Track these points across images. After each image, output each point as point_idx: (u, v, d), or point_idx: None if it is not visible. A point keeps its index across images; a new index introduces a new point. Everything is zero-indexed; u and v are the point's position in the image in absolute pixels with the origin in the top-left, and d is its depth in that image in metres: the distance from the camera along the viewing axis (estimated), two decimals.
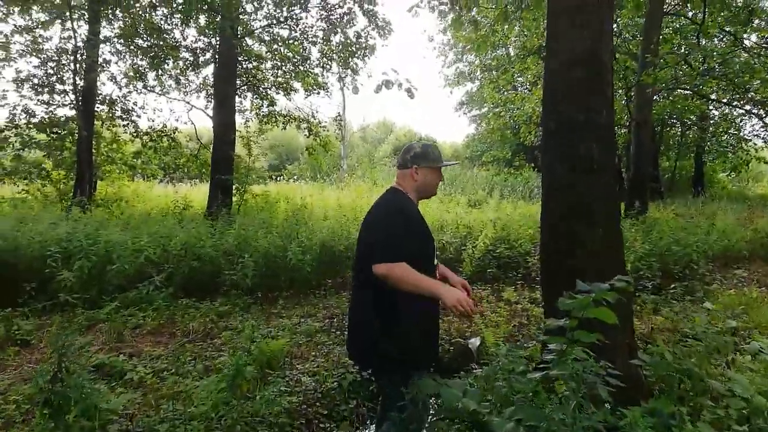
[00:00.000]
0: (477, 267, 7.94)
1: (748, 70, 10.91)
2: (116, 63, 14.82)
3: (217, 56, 12.40)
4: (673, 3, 10.54)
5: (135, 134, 13.22)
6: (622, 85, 10.30)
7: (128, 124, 13.10)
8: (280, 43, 12.93)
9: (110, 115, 12.99)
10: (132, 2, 11.27)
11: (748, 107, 22.23)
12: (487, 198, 15.37)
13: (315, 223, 9.05)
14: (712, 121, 23.01)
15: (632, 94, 10.64)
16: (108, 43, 12.65)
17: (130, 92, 13.27)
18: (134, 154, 14.04)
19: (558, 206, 2.93)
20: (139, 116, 13.37)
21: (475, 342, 5.03)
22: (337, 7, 11.43)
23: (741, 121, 24.11)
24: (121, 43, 12.74)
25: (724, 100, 12.60)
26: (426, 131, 54.83)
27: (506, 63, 12.06)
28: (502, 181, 16.65)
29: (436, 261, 2.67)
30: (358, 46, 11.71)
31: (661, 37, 10.40)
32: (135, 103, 13.31)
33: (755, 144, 23.96)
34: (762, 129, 23.72)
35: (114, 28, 12.72)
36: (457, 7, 7.33)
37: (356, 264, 2.60)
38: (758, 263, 9.41)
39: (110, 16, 12.08)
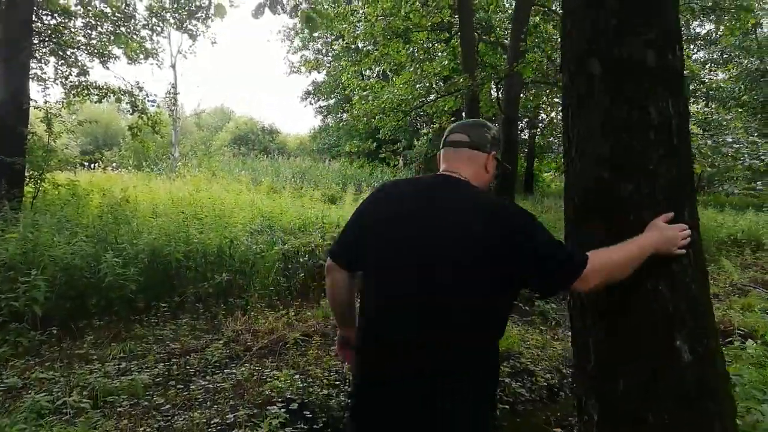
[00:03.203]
0: None
1: None
2: None
3: (2, 5, 9.43)
4: None
5: None
6: (493, 77, 9.72)
7: None
8: None
9: None
10: None
11: None
12: (341, 193, 14.17)
13: (141, 222, 6.99)
14: (541, 124, 24.46)
15: (501, 87, 10.18)
16: None
17: None
18: None
19: (612, 213, 1.68)
20: None
21: None
22: None
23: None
24: None
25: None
26: (269, 121, 52.47)
27: (370, 44, 10.97)
28: (368, 174, 15.56)
29: None
30: (198, 4, 9.64)
31: (530, 25, 10.04)
32: None
33: None
34: None
35: None
36: None
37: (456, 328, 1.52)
38: None
39: None
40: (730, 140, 8.37)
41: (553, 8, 10.84)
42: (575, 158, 1.79)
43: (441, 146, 1.84)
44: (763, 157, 8.30)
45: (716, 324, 1.72)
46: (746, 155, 8.24)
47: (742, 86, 18.74)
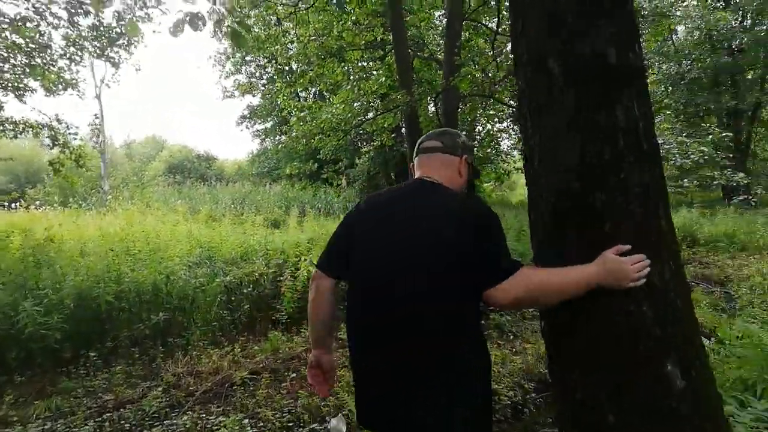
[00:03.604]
0: (301, 302, 6.32)
1: None
2: None
3: None
4: (470, 8, 10.35)
5: None
6: (430, 93, 9.73)
7: None
8: (5, 25, 9.63)
9: None
10: None
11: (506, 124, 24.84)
12: (285, 217, 13.78)
13: (67, 263, 6.45)
14: (478, 136, 24.93)
15: (438, 102, 10.19)
16: None
17: None
18: None
19: (586, 226, 1.54)
20: None
21: (338, 425, 3.42)
22: None
23: (500, 138, 27.07)
24: None
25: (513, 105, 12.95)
26: (204, 147, 51.24)
27: (305, 64, 10.77)
28: (311, 196, 15.18)
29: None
30: (118, 31, 9.15)
31: (463, 40, 10.13)
32: None
33: (513, 156, 27.14)
34: (513, 145, 26.70)
35: None
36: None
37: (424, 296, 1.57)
38: None
39: None
40: (661, 141, 8.66)
41: (483, 23, 11.02)
42: (539, 168, 1.64)
43: (415, 155, 1.91)
44: (692, 156, 8.63)
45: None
46: (677, 155, 8.54)
47: (663, 89, 19.70)
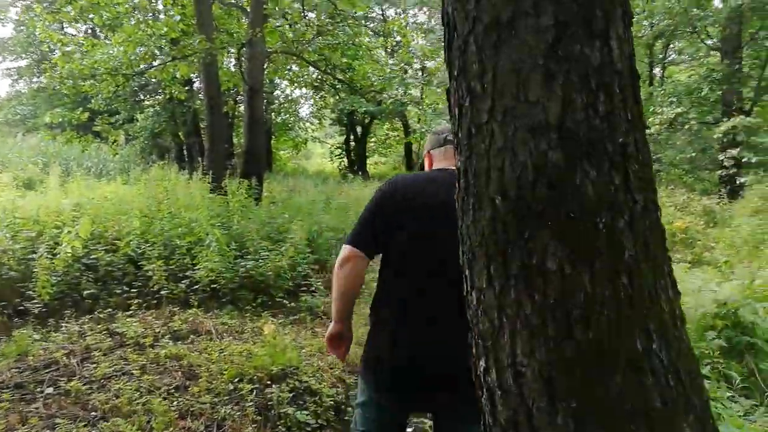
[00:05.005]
0: (62, 286, 4.98)
1: (332, 47, 11.16)
2: None
3: None
4: None
5: None
6: (235, 43, 8.61)
7: None
8: None
9: None
10: None
11: (306, 90, 24.10)
12: (42, 176, 11.32)
13: None
14: (277, 100, 23.94)
15: (243, 57, 9.10)
16: None
17: None
18: None
19: (568, 220, 0.98)
20: None
21: None
22: None
23: (299, 104, 26.40)
24: None
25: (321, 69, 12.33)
26: None
27: None
28: (79, 152, 12.51)
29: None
30: None
31: None
32: None
33: (313, 124, 26.72)
34: (312, 113, 26.26)
35: None
36: None
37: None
38: None
39: None
40: None
41: None
42: (492, 127, 1.03)
43: (440, 144, 1.97)
44: None
45: None
46: None
47: None
